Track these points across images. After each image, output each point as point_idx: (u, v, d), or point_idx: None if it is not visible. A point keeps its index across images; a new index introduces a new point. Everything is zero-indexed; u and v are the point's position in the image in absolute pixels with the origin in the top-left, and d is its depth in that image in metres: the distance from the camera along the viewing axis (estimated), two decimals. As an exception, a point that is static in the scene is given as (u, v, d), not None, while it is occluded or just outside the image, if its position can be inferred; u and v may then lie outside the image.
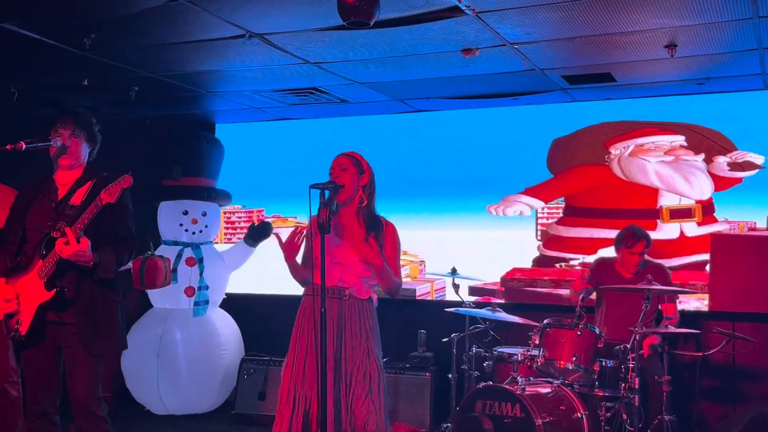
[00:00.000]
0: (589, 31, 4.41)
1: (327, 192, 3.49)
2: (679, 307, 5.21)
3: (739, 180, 5.68)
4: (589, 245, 5.91)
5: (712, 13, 4.10)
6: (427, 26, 4.30)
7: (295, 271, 3.73)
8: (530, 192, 6.25)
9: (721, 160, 5.72)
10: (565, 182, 6.17)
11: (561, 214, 6.15)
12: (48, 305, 3.50)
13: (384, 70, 5.27)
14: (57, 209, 3.60)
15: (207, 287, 6.32)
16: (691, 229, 5.78)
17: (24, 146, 3.56)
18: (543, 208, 6.20)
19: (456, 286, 5.22)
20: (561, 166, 6.21)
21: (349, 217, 3.71)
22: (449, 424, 4.86)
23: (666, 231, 5.82)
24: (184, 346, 6.13)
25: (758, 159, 5.64)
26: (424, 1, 3.95)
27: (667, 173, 5.83)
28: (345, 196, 3.71)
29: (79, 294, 3.55)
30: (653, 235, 5.73)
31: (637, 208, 5.88)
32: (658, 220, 5.83)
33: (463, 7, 4.01)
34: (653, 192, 5.86)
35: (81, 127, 3.73)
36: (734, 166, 5.69)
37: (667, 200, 5.83)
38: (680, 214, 5.81)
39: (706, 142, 5.78)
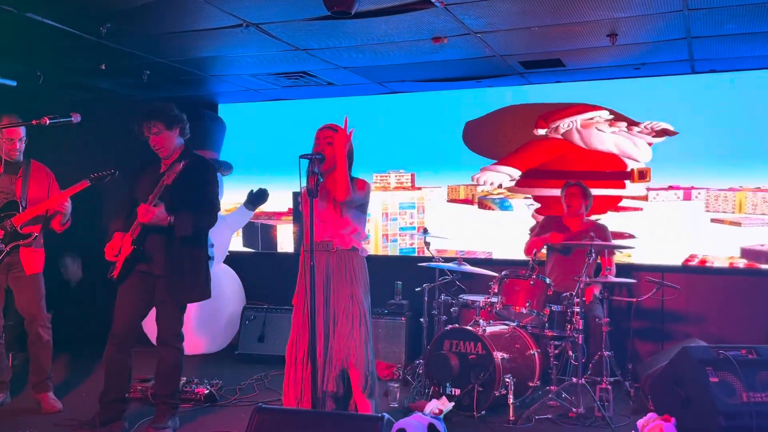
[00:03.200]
0: (543, 22, 4.36)
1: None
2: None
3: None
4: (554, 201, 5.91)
5: (648, 5, 4.07)
6: (402, 17, 4.23)
7: None
8: (505, 162, 6.19)
9: (636, 130, 5.75)
10: (532, 153, 6.09)
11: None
12: (131, 258, 3.75)
13: (364, 56, 5.20)
14: (154, 183, 3.78)
15: (212, 245, 6.26)
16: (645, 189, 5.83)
17: (48, 122, 3.58)
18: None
19: (427, 244, 5.22)
20: (484, 145, 6.17)
21: (332, 182, 3.69)
22: (421, 361, 4.89)
23: (633, 190, 5.83)
24: (193, 296, 6.10)
25: (670, 126, 5.68)
26: (399, -6, 3.89)
27: (622, 142, 5.83)
28: (328, 165, 3.69)
29: (168, 251, 3.76)
30: (623, 193, 5.78)
31: (609, 171, 5.87)
32: (627, 181, 5.83)
33: (433, 0, 3.95)
34: (616, 157, 5.86)
35: (161, 121, 3.85)
36: (654, 134, 5.71)
37: (645, 162, 5.83)
38: (644, 175, 5.82)
39: (620, 117, 5.81)
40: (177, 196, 3.71)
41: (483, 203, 6.25)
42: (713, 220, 5.57)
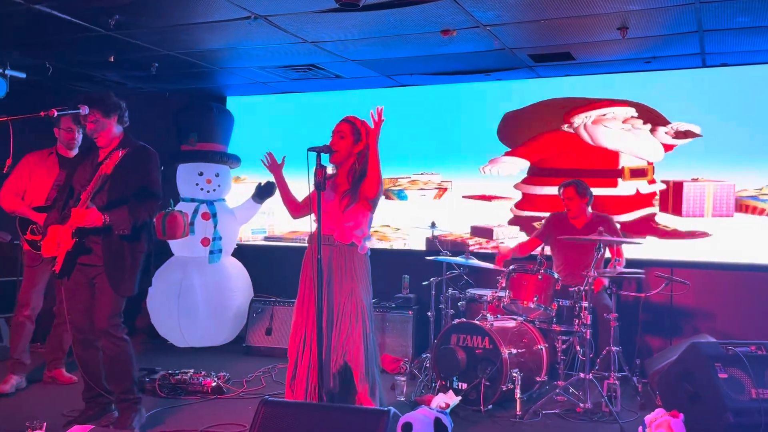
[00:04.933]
0: (552, 15, 4.33)
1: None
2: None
3: (672, 147, 5.65)
4: (558, 202, 5.87)
5: (660, -2, 4.04)
6: (410, 9, 4.21)
7: (286, 199, 3.83)
8: (514, 153, 6.16)
9: (662, 130, 5.69)
10: (539, 145, 6.06)
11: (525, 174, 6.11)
12: (73, 252, 3.64)
13: (372, 49, 5.18)
14: (93, 172, 3.67)
15: (220, 238, 6.28)
16: (644, 187, 5.76)
17: (56, 113, 3.57)
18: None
19: (435, 237, 5.20)
20: (515, 136, 6.12)
21: (342, 176, 3.67)
22: (428, 354, 4.87)
23: (625, 188, 5.80)
24: (201, 289, 6.12)
25: (696, 128, 5.60)
26: (408, -14, 3.86)
27: (629, 138, 5.79)
28: (338, 159, 3.67)
29: (107, 242, 3.66)
30: (613, 191, 5.74)
31: (600, 168, 5.84)
32: (619, 179, 5.80)
33: (442, -8, 3.92)
34: (614, 155, 5.82)
35: (98, 109, 3.76)
36: (677, 134, 5.65)
37: (627, 162, 5.80)
38: (638, 173, 5.79)
39: (649, 116, 5.74)
40: (116, 186, 3.63)
41: (387, 194, 6.39)
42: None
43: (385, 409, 2.52)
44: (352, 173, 3.67)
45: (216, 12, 4.38)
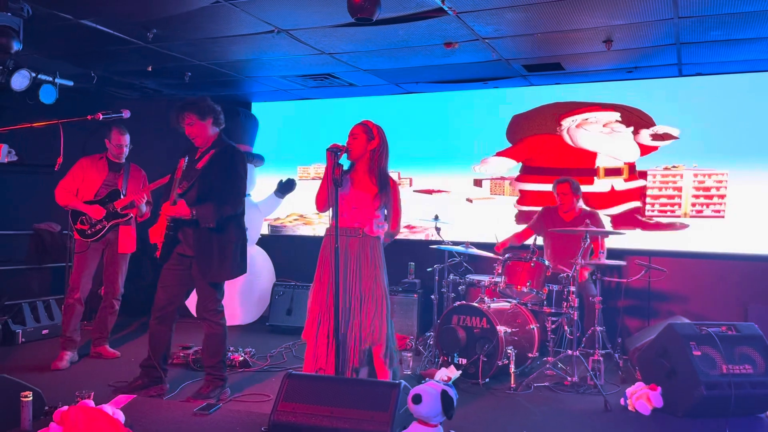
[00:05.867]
0: (545, 29, 4.30)
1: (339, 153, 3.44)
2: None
3: (656, 148, 5.61)
4: (545, 197, 5.86)
5: (642, 14, 3.99)
6: (417, 24, 4.18)
7: (319, 192, 3.63)
8: (504, 153, 6.14)
9: (644, 133, 5.65)
10: (526, 147, 6.05)
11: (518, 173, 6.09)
12: (167, 242, 3.73)
13: (382, 60, 5.15)
14: (189, 169, 3.75)
15: (246, 229, 6.25)
16: (619, 184, 5.73)
17: (101, 116, 3.56)
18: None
19: (438, 229, 5.18)
20: (520, 136, 6.10)
21: (361, 173, 3.63)
22: (432, 333, 4.87)
23: (600, 185, 5.77)
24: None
25: (675, 131, 5.56)
26: (415, 3, 3.83)
27: (605, 140, 5.75)
28: (354, 156, 3.65)
29: (197, 235, 3.71)
30: (590, 188, 5.72)
31: (579, 167, 5.82)
32: (595, 177, 5.77)
33: (446, 8, 3.89)
34: (592, 155, 5.79)
35: (194, 113, 3.77)
36: (656, 136, 5.61)
37: (602, 162, 5.76)
38: (612, 172, 5.75)
39: (634, 119, 5.69)
40: (206, 182, 3.66)
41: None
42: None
43: (397, 382, 2.52)
44: (374, 172, 3.62)
45: (243, 26, 4.36)
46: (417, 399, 2.56)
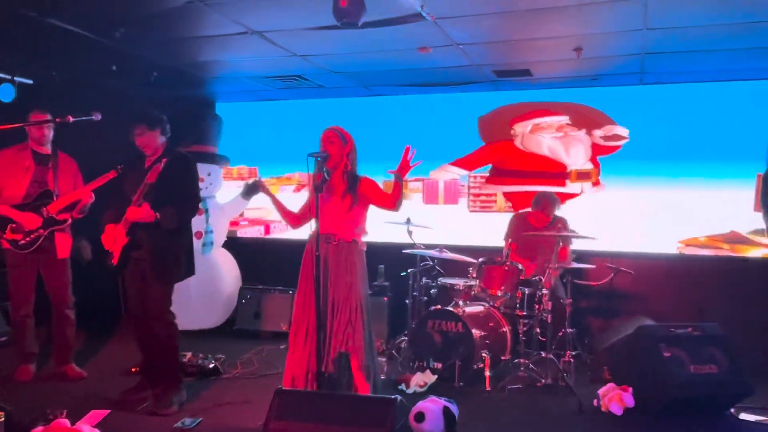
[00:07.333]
0: (520, 36, 4.32)
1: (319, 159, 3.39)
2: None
3: (618, 147, 5.72)
4: (521, 197, 5.94)
5: (613, 24, 4.05)
6: (395, 28, 4.13)
7: (282, 214, 3.76)
8: (456, 163, 6.21)
9: (597, 133, 5.77)
10: (480, 156, 6.13)
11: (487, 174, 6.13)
12: (127, 247, 3.69)
13: (355, 63, 5.08)
14: (140, 178, 3.70)
15: (212, 231, 6.12)
16: (588, 188, 5.84)
17: (71, 120, 3.43)
18: (474, 178, 6.16)
19: (410, 233, 5.14)
20: (488, 136, 6.14)
21: (336, 179, 3.59)
22: (404, 336, 4.83)
23: (572, 188, 5.87)
24: (194, 277, 5.91)
25: (623, 131, 5.68)
26: (395, 8, 3.78)
27: (555, 146, 5.84)
28: (332, 162, 3.58)
29: (153, 239, 3.69)
30: (563, 190, 5.80)
31: (553, 171, 5.89)
32: (567, 180, 5.86)
33: (425, 14, 3.86)
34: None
35: (143, 123, 3.77)
36: (606, 137, 5.74)
37: (575, 166, 5.86)
38: (583, 176, 5.85)
39: (586, 119, 5.80)
40: (160, 192, 3.66)
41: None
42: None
43: (392, 397, 2.46)
44: (345, 176, 3.59)
45: (214, 27, 4.22)
46: (420, 417, 2.52)
